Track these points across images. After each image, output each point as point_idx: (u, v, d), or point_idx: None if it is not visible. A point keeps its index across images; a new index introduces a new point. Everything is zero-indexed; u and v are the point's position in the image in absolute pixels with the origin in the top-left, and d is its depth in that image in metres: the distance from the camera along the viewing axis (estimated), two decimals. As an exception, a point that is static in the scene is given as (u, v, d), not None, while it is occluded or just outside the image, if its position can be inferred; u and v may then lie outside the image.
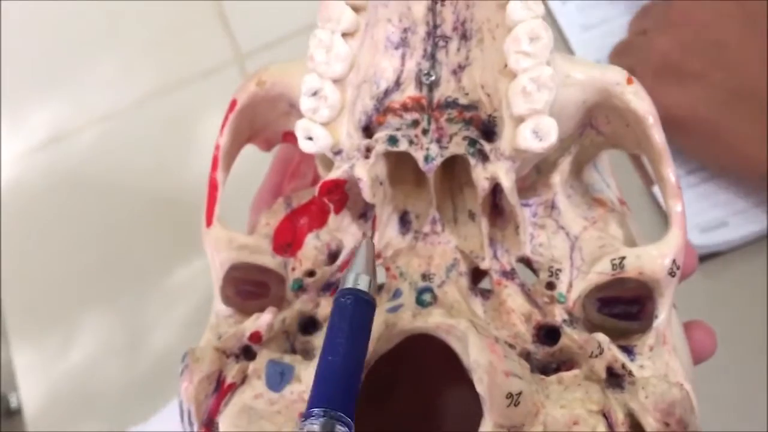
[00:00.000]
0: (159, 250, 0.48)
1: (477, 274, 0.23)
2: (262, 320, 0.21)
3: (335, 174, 0.21)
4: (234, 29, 0.53)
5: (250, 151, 0.27)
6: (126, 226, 0.49)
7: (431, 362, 0.24)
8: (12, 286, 0.48)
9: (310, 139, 0.21)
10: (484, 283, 0.23)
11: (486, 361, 0.19)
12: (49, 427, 0.44)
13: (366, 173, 0.21)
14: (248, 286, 0.23)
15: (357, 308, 0.19)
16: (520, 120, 0.20)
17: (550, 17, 0.47)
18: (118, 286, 0.47)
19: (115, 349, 0.46)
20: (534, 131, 0.19)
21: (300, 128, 0.21)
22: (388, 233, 0.23)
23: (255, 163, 0.31)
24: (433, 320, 0.20)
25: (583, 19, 0.46)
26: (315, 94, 0.20)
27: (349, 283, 0.19)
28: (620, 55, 0.43)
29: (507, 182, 0.20)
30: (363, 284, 0.19)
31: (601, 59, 0.45)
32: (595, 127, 0.22)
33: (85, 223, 0.50)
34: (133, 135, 0.52)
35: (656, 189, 0.42)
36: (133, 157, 0.51)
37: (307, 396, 0.20)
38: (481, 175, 0.21)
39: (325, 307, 0.23)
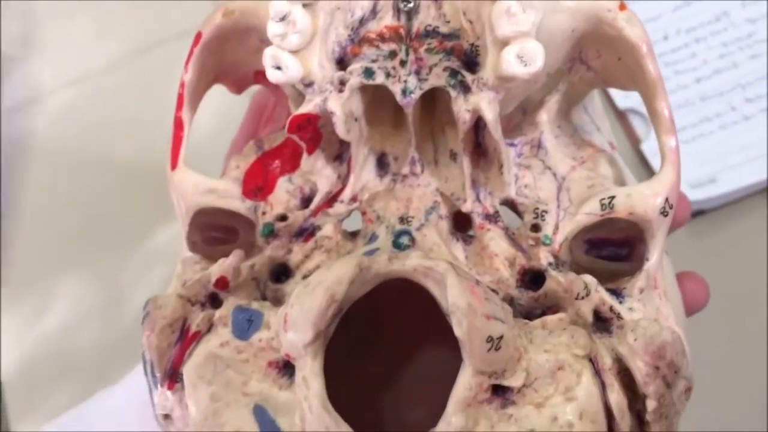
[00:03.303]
0: (136, 211, 0.47)
1: (463, 222, 0.22)
2: (228, 263, 0.20)
3: (306, 108, 0.20)
4: (212, -13, 0.51)
5: (229, 100, 0.25)
6: (103, 188, 0.48)
7: (412, 320, 0.23)
8: (-15, 251, 0.47)
9: (279, 68, 0.19)
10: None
11: (465, 304, 0.17)
12: (26, 392, 0.43)
13: (340, 107, 0.20)
14: (216, 232, 0.21)
15: None
16: (504, 44, 0.18)
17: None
18: (95, 249, 0.46)
19: (93, 312, 0.45)
20: (519, 56, 0.18)
21: (268, 56, 0.19)
22: (365, 176, 0.22)
23: (236, 114, 0.30)
24: (410, 263, 0.19)
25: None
26: (283, 18, 0.19)
27: None
28: None
29: (490, 114, 0.19)
30: None
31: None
32: (585, 62, 0.21)
33: (61, 185, 0.49)
34: (109, 96, 0.50)
35: (644, 146, 0.41)
36: (109, 119, 0.50)
37: (275, 344, 0.19)
38: (462, 108, 0.19)
39: (297, 254, 0.21)
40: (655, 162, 0.40)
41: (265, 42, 0.21)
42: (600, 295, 0.19)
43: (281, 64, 0.19)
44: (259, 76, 0.23)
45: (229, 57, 0.22)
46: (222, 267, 0.20)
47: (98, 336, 0.44)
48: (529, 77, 0.18)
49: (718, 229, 0.40)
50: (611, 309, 0.19)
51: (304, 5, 0.19)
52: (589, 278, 0.19)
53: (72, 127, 0.50)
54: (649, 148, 0.41)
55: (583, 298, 0.19)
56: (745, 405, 0.37)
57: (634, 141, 0.41)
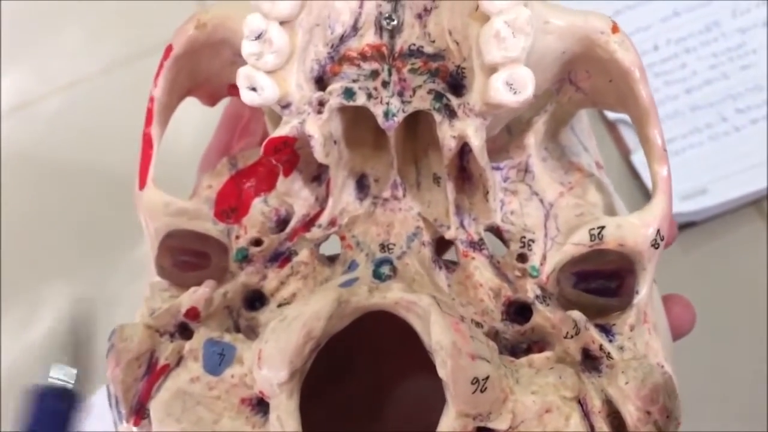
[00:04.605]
0: (124, 221, 0.45)
1: (442, 245, 0.21)
2: (199, 294, 0.19)
3: (283, 131, 0.19)
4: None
5: (211, 111, 0.24)
6: (91, 196, 0.46)
7: (390, 339, 0.22)
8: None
9: (254, 89, 0.18)
10: (449, 255, 0.21)
11: (449, 343, 0.16)
12: (11, 402, 0.42)
13: (318, 130, 0.19)
14: (187, 256, 0.20)
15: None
16: (492, 70, 0.17)
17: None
18: (81, 259, 0.45)
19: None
20: (508, 83, 0.17)
21: (242, 76, 0.18)
22: (344, 198, 0.21)
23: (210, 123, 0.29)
24: (392, 296, 0.18)
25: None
26: (259, 37, 0.18)
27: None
28: None
29: (476, 141, 0.18)
30: (61, 374, 0.13)
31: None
32: (574, 83, 0.20)
33: (49, 193, 0.47)
34: (99, 103, 0.49)
35: (634, 158, 0.40)
36: (98, 126, 0.49)
37: (249, 380, 0.18)
38: (447, 134, 0.18)
39: (272, 280, 0.20)
40: (645, 173, 0.40)
41: (239, 55, 0.20)
42: (590, 332, 0.18)
43: (256, 86, 0.18)
44: (233, 89, 0.22)
45: (202, 70, 0.21)
46: (193, 297, 0.19)
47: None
48: (519, 105, 0.17)
49: (709, 241, 0.40)
50: (601, 348, 0.18)
51: (281, 23, 0.18)
52: (577, 315, 0.18)
53: (60, 134, 0.49)
54: (639, 159, 0.40)
55: (572, 337, 0.18)
56: (741, 417, 0.36)
57: (624, 152, 0.41)
